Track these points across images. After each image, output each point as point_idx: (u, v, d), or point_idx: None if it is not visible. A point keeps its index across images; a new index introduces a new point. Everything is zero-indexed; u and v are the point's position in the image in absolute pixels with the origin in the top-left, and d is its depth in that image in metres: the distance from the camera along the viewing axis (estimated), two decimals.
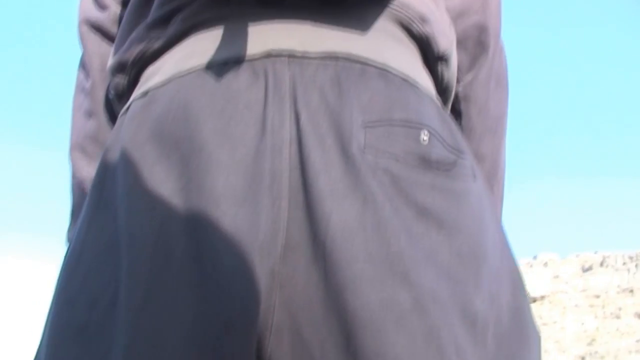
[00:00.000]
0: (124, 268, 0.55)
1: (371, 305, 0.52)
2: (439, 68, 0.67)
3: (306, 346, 0.54)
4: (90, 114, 0.78)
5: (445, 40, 0.66)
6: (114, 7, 0.75)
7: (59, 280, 0.61)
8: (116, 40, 0.70)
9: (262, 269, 0.53)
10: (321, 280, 0.53)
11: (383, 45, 0.61)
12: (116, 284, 0.55)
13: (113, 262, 0.56)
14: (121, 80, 0.67)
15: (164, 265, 0.53)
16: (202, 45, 0.60)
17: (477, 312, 0.56)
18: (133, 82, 0.66)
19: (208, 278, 0.53)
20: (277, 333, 0.54)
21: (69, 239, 0.76)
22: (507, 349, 0.58)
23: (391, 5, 0.62)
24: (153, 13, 0.64)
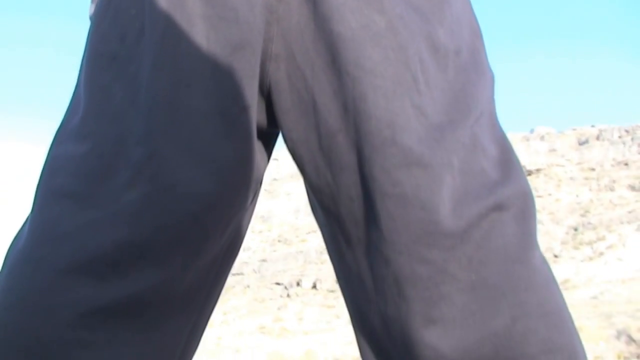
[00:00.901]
0: (146, 4, 0.66)
1: (352, 28, 0.65)
2: None
3: (299, 68, 0.68)
4: None
5: None
6: None
7: (90, 27, 0.73)
8: None
9: (260, 4, 0.66)
10: (311, 13, 0.66)
11: None
12: (142, 19, 0.67)
13: (139, 2, 0.67)
14: None
15: (179, 3, 0.65)
16: None
17: (440, 41, 0.68)
18: None
19: (216, 13, 0.65)
20: (276, 60, 0.68)
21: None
22: (464, 76, 0.69)
23: None
24: None
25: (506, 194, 0.64)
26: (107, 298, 0.63)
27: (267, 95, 0.71)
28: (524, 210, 0.65)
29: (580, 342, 0.66)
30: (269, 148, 0.78)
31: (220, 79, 0.66)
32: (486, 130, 0.68)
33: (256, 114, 0.70)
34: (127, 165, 0.64)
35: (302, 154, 0.71)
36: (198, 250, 0.68)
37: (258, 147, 0.74)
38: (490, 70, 0.74)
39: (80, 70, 0.74)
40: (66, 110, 0.73)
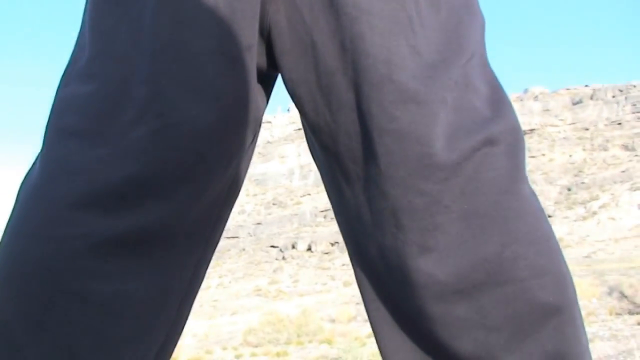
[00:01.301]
0: None
1: None
2: None
3: (298, 9, 0.71)
4: None
5: None
6: None
7: None
8: None
9: None
10: None
11: None
12: None
13: None
14: None
15: None
16: None
17: None
18: None
19: None
20: (275, 1, 0.71)
21: None
22: (456, 17, 0.72)
23: None
24: None
25: (497, 129, 0.67)
26: (117, 230, 0.65)
27: (266, 38, 0.73)
28: (514, 145, 0.68)
29: (567, 267, 0.68)
30: (267, 90, 0.80)
31: (221, 19, 0.68)
32: (477, 70, 0.71)
33: (256, 55, 0.72)
34: (132, 103, 0.67)
35: (301, 94, 0.73)
36: (202, 186, 0.71)
37: (257, 88, 0.76)
38: (481, 13, 0.77)
39: (85, 12, 0.75)
40: (72, 52, 0.75)
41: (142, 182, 0.66)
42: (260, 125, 0.81)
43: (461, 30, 0.71)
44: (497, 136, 0.66)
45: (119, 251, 0.66)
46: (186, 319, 0.83)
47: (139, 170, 0.66)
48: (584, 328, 0.68)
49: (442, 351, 0.69)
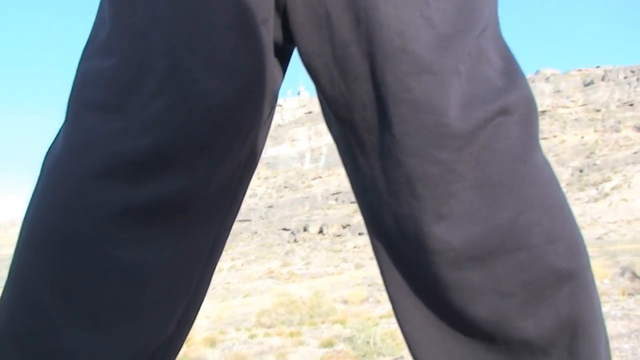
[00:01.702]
0: None
1: None
2: None
3: None
4: None
5: None
6: None
7: None
8: None
9: None
10: None
11: None
12: None
13: None
14: None
15: None
16: None
17: None
18: None
19: None
20: None
21: None
22: None
23: None
24: None
25: (511, 99, 0.67)
26: (139, 199, 0.67)
27: (282, 11, 0.73)
28: (527, 115, 0.68)
29: (580, 234, 0.70)
30: (284, 64, 0.81)
31: None
32: (491, 42, 0.71)
33: (272, 29, 0.74)
34: (152, 76, 0.68)
35: (317, 67, 0.74)
36: (221, 157, 0.72)
37: (274, 62, 0.77)
38: None
39: None
40: (92, 27, 0.76)
41: (163, 153, 0.67)
42: (276, 99, 0.81)
43: (474, 2, 0.71)
44: (511, 106, 0.67)
45: (142, 220, 0.68)
46: (207, 288, 0.85)
47: (159, 141, 0.67)
48: (597, 293, 0.69)
49: (457, 317, 0.70)
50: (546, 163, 0.70)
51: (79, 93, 0.72)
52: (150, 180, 0.68)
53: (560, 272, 0.65)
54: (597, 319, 0.68)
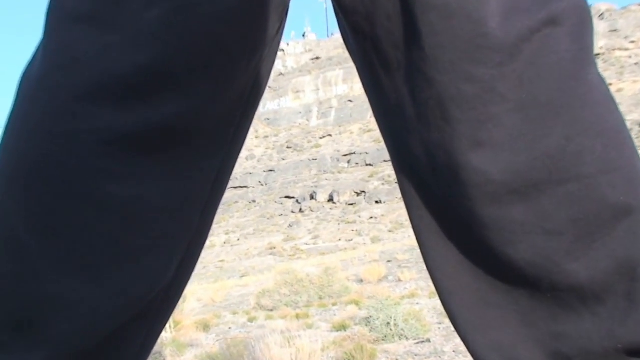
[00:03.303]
0: None
1: None
2: None
3: None
4: None
5: None
6: None
7: None
8: None
9: None
10: None
11: None
12: None
13: None
14: None
15: None
16: None
17: None
18: None
19: None
20: None
21: None
22: None
23: None
24: None
25: (560, 7, 0.66)
26: (130, 125, 0.67)
27: None
28: (579, 25, 0.67)
29: None
30: None
31: None
32: None
33: None
34: None
35: None
36: (223, 79, 0.73)
37: None
38: None
39: None
40: None
41: (157, 72, 0.67)
42: (287, 13, 0.82)
43: None
44: (560, 15, 0.66)
45: (134, 150, 0.68)
46: (208, 231, 0.87)
47: (153, 58, 0.67)
48: None
49: (495, 261, 0.70)
50: (601, 81, 0.68)
51: (59, 3, 0.71)
52: (144, 104, 0.68)
53: (616, 206, 0.64)
54: None
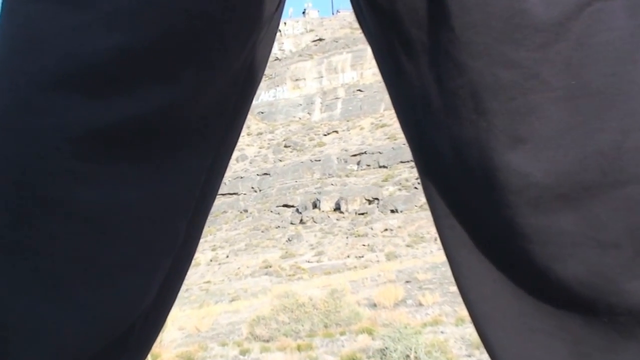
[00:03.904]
0: None
1: None
2: None
3: None
4: None
5: None
6: None
7: None
8: None
9: None
10: None
11: None
12: None
13: None
14: None
15: None
16: None
17: None
18: None
19: None
20: None
21: None
22: None
23: None
24: None
25: None
26: (104, 120, 0.66)
27: None
28: None
29: None
30: None
31: None
32: None
33: None
34: None
35: None
36: (213, 63, 0.74)
37: None
38: None
39: None
40: None
41: (136, 57, 0.67)
42: None
43: None
44: None
45: (108, 149, 0.67)
46: (196, 245, 0.88)
47: (131, 40, 0.66)
48: None
49: (539, 279, 0.69)
50: None
51: None
52: (120, 95, 0.67)
53: None
54: None
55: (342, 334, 9.96)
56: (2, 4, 0.71)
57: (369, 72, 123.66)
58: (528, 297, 0.72)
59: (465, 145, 0.71)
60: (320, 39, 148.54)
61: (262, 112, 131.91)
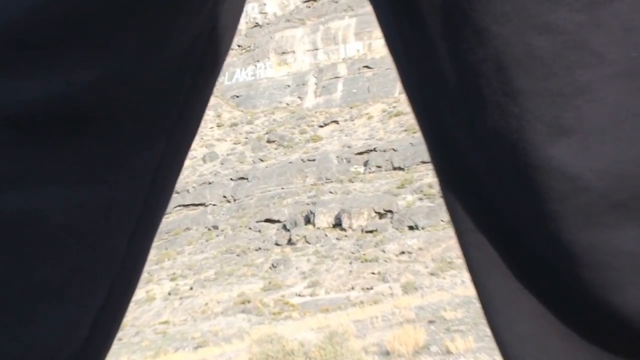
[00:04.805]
0: None
1: None
2: None
3: None
4: None
5: None
6: None
7: None
8: None
9: None
10: None
11: None
12: None
13: None
14: None
15: None
16: None
17: None
18: None
19: None
20: None
21: None
22: None
23: None
24: None
25: None
26: (19, 101, 0.66)
27: None
28: None
29: None
30: None
31: None
32: None
33: None
34: None
35: None
36: (159, 27, 0.74)
37: None
38: None
39: None
40: None
41: (60, 21, 0.66)
42: None
43: None
44: None
45: (24, 139, 0.67)
46: (142, 266, 0.88)
47: (54, 2, 0.66)
48: None
49: (592, 314, 0.67)
50: None
51: None
52: (41, 70, 0.66)
53: None
54: None
55: None
56: None
57: (379, 43, 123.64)
58: (577, 337, 0.70)
59: (491, 137, 0.69)
60: None
61: (238, 96, 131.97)
